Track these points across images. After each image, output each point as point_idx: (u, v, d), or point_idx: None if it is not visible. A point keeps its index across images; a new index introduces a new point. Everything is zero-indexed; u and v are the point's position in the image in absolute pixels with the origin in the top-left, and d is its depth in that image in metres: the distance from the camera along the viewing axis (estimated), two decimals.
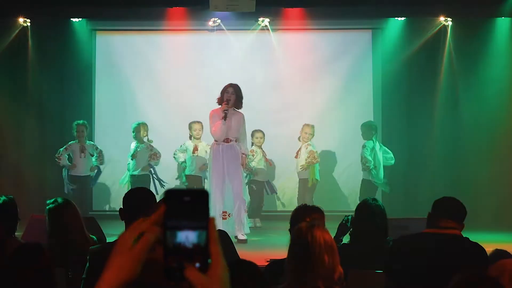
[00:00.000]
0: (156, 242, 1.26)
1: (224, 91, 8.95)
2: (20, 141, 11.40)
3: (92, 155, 10.41)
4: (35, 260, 3.07)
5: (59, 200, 4.79)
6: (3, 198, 4.75)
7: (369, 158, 10.26)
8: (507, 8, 10.48)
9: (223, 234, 5.23)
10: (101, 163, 10.53)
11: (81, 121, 10.43)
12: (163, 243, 1.24)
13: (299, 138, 10.74)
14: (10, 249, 3.25)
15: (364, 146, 10.33)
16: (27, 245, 3.28)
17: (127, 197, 4.23)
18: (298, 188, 10.84)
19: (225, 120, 8.79)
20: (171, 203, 1.25)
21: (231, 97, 8.88)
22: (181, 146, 10.69)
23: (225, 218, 8.80)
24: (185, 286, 1.23)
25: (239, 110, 9.03)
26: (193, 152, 10.54)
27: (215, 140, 9.02)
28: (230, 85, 8.98)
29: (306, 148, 10.59)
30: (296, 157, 10.71)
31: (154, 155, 10.38)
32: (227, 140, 8.95)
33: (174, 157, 10.75)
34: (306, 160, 10.52)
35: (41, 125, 11.43)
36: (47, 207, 4.74)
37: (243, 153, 9.01)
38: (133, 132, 10.39)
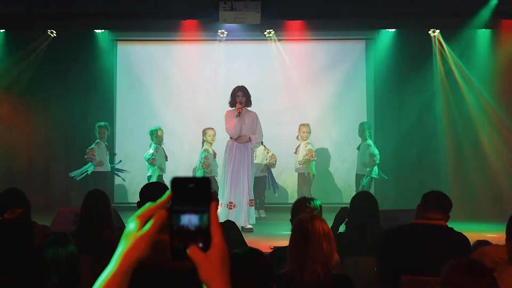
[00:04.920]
0: (164, 224, 1.27)
1: (235, 95, 8.94)
2: (48, 141, 11.42)
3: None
4: (62, 248, 3.05)
5: (98, 191, 4.89)
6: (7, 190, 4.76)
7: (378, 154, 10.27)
8: (481, 20, 10.45)
9: (231, 224, 5.22)
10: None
11: (103, 123, 10.41)
12: (169, 226, 1.24)
13: (297, 137, 10.71)
14: (39, 236, 3.23)
15: (370, 145, 10.30)
16: (54, 235, 3.26)
17: (143, 190, 4.23)
18: (297, 182, 10.82)
19: (239, 117, 8.79)
20: (177, 190, 1.25)
21: (243, 99, 8.88)
22: (208, 152, 10.34)
23: (231, 208, 8.77)
24: (189, 264, 1.23)
25: (252, 109, 9.02)
26: (214, 157, 10.41)
27: (230, 138, 9.01)
28: (239, 88, 8.98)
29: (306, 146, 10.55)
30: (295, 153, 10.69)
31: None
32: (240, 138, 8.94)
33: (201, 164, 10.31)
34: (304, 157, 10.48)
35: (67, 127, 11.44)
36: (87, 194, 4.78)
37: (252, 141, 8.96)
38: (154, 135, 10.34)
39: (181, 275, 2.51)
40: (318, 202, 4.46)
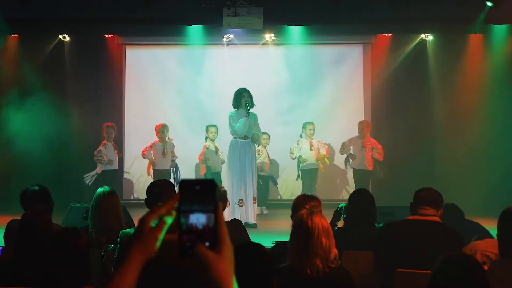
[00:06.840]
0: (172, 224, 1.28)
1: (240, 96, 8.92)
2: (60, 141, 11.41)
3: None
4: (73, 243, 3.06)
5: (107, 188, 4.84)
6: (37, 187, 4.74)
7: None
8: (478, 26, 10.47)
9: (237, 223, 5.21)
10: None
11: (110, 124, 10.37)
12: (178, 225, 1.26)
13: (301, 135, 10.70)
14: (50, 232, 3.24)
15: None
16: (65, 230, 3.27)
17: (150, 188, 4.23)
18: (302, 178, 10.70)
19: (247, 117, 8.78)
20: (185, 191, 1.26)
21: (248, 100, 8.88)
22: (207, 149, 10.32)
23: (242, 205, 8.80)
24: (196, 261, 1.24)
25: (253, 110, 9.02)
26: (217, 153, 10.41)
27: (234, 137, 8.99)
28: (243, 90, 8.97)
29: (317, 142, 10.58)
30: (311, 150, 10.57)
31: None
32: (245, 137, 8.93)
33: (203, 161, 10.33)
34: (320, 153, 10.50)
35: (78, 127, 11.44)
36: (97, 191, 4.77)
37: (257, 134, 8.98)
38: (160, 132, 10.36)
39: (187, 273, 2.51)
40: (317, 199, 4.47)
